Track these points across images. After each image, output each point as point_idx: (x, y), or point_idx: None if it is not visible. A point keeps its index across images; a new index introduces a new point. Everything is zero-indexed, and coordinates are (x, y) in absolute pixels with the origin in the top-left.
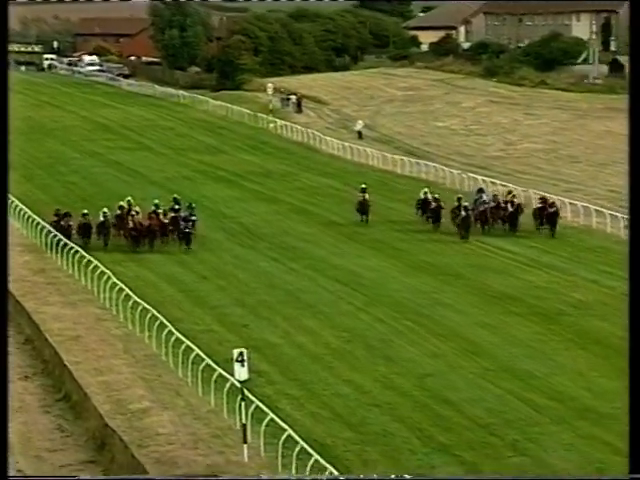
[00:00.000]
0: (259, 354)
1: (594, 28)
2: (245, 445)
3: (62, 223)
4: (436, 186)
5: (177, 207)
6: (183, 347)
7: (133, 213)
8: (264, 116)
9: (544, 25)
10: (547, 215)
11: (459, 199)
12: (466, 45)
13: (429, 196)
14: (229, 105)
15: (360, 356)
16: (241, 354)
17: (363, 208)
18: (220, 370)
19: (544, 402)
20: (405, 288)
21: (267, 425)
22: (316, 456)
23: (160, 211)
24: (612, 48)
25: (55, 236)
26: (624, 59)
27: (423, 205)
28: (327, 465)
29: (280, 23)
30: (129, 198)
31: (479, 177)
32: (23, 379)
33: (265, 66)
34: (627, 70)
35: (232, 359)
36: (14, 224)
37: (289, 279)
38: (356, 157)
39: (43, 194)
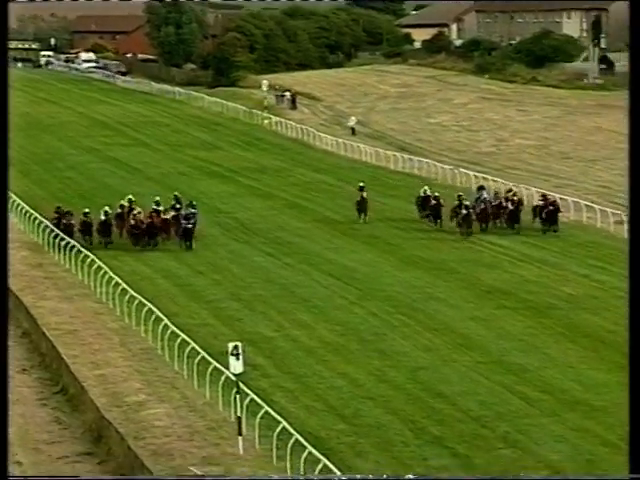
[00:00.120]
0: (254, 347)
1: (584, 26)
2: (240, 437)
3: (64, 221)
4: (428, 182)
5: (178, 205)
6: (179, 341)
7: (135, 212)
8: (259, 112)
9: (535, 23)
10: (547, 213)
11: (459, 197)
12: (458, 42)
13: (429, 194)
14: (224, 102)
15: (354, 349)
16: (236, 347)
17: (362, 206)
18: (215, 363)
19: (535, 395)
20: (398, 283)
21: (262, 418)
22: (310, 448)
23: (161, 209)
24: (602, 45)
25: (52, 231)
26: (614, 56)
27: (423, 203)
28: (321, 457)
29: (275, 21)
30: (130, 196)
31: (471, 173)
32: (21, 372)
33: (260, 63)
34: (616, 68)
35: (227, 352)
36: (12, 219)
37: (284, 274)
38: (350, 153)
39: (40, 189)
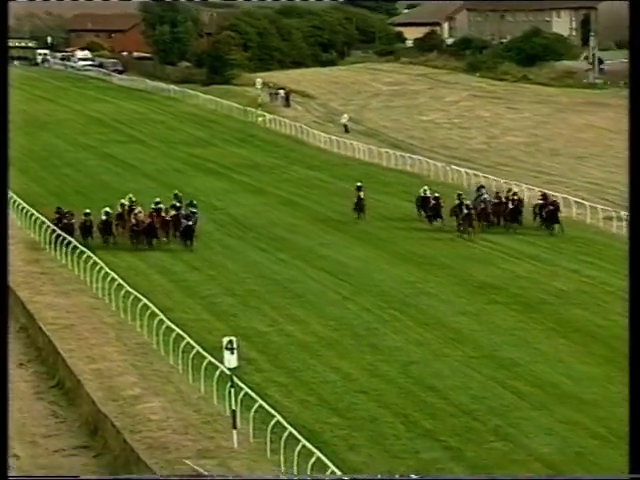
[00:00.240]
0: (248, 342)
1: (574, 24)
2: (235, 431)
3: (64, 221)
4: (421, 178)
5: (178, 204)
6: (174, 335)
7: (136, 211)
8: (253, 110)
9: (525, 21)
10: (547, 212)
11: (459, 196)
12: (450, 41)
13: (429, 194)
14: (219, 99)
15: (347, 344)
16: (230, 342)
17: (359, 206)
18: (210, 358)
19: (526, 389)
20: (391, 278)
21: (256, 411)
22: (304, 441)
23: (161, 207)
24: (591, 44)
25: (49, 227)
26: (603, 54)
27: (423, 203)
28: (314, 450)
29: (268, 19)
30: (130, 195)
31: (462, 170)
32: (18, 366)
33: (254, 61)
34: (605, 66)
35: (222, 347)
36: (10, 216)
37: (277, 269)
38: (343, 150)
39: (37, 186)
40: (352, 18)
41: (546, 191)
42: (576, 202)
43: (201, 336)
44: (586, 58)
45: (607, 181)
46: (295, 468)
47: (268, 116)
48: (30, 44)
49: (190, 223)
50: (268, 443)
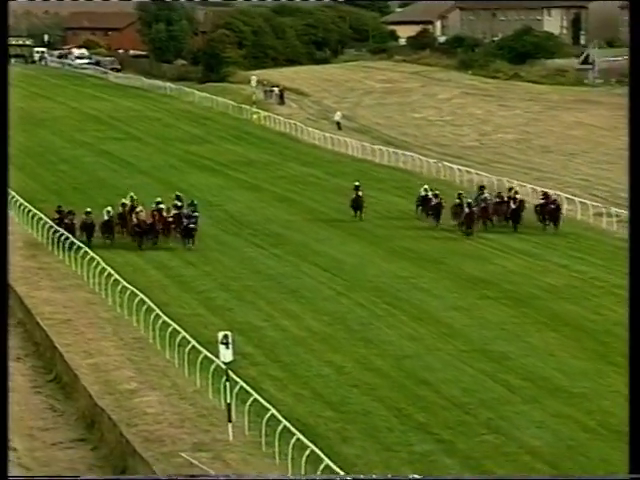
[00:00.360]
0: (243, 337)
1: (564, 23)
2: (230, 424)
3: (66, 221)
4: (413, 175)
5: (179, 204)
6: (170, 330)
7: (137, 211)
8: (248, 107)
9: (517, 20)
10: (549, 211)
11: (460, 195)
12: (442, 39)
13: (429, 193)
14: (214, 97)
15: (341, 339)
16: (226, 337)
17: (357, 204)
18: (205, 352)
19: (517, 382)
20: (384, 274)
21: (251, 405)
22: (298, 434)
23: (162, 207)
24: (582, 42)
25: (46, 223)
26: (593, 52)
27: (423, 202)
28: (309, 443)
29: (263, 17)
30: (132, 194)
31: (455, 166)
32: (15, 360)
33: (249, 59)
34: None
35: (217, 341)
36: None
37: (272, 265)
38: (336, 147)
39: (34, 182)
40: (346, 17)
41: (547, 190)
42: (567, 198)
43: (197, 330)
44: (585, 59)
45: (597, 178)
46: (289, 460)
47: (263, 113)
48: (27, 42)
49: (191, 223)
50: (263, 436)
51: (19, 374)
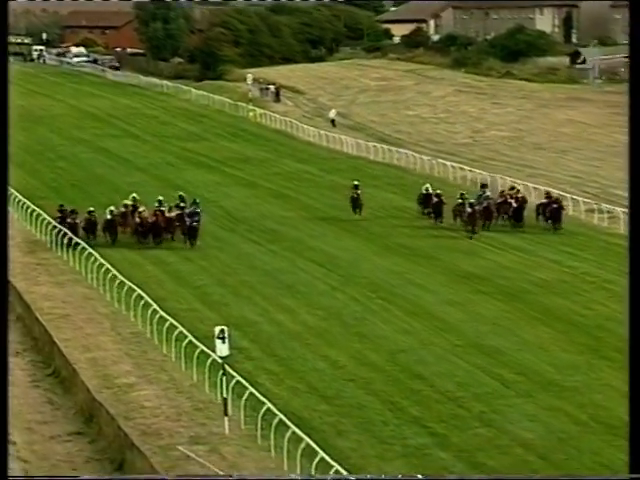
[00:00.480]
0: (239, 331)
1: (556, 21)
2: (226, 418)
3: (68, 220)
4: (407, 172)
5: (182, 204)
6: (167, 325)
7: (140, 210)
8: (244, 105)
9: (509, 18)
10: (551, 211)
11: (462, 195)
12: (436, 38)
13: (430, 192)
14: (210, 94)
15: (336, 333)
16: (222, 331)
17: (356, 203)
18: (202, 346)
19: (509, 376)
20: (379, 269)
21: (247, 399)
22: (294, 428)
23: (165, 208)
24: (573, 40)
25: (45, 220)
26: (584, 50)
27: (424, 200)
28: (304, 436)
29: (259, 16)
30: (134, 195)
31: (448, 163)
32: (14, 355)
33: (245, 57)
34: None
35: (213, 336)
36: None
37: (268, 260)
38: (331, 144)
39: (33, 179)
40: (340, 15)
41: (547, 189)
42: (558, 195)
43: (193, 325)
44: (583, 62)
45: (588, 174)
46: (285, 453)
47: (259, 111)
48: (26, 40)
49: (194, 222)
50: (259, 430)
51: (18, 368)
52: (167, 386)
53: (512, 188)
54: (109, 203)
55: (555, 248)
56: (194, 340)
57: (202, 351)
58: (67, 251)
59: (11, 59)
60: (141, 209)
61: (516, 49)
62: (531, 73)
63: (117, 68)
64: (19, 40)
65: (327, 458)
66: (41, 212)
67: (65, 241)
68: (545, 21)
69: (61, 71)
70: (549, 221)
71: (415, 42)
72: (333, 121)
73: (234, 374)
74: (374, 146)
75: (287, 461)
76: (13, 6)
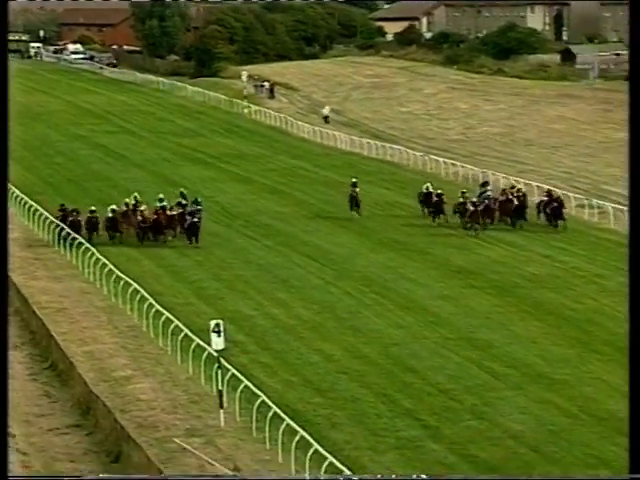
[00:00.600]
0: (235, 325)
1: (547, 19)
2: (221, 410)
3: (71, 219)
4: (400, 167)
5: (184, 202)
6: (163, 319)
7: (141, 209)
8: (239, 102)
9: (501, 16)
10: (552, 209)
11: (463, 193)
12: (428, 35)
13: (431, 190)
14: (206, 91)
15: (330, 327)
16: (217, 325)
17: (354, 202)
18: (198, 340)
19: (501, 369)
20: (372, 264)
21: (242, 392)
22: (288, 420)
23: (166, 205)
24: (564, 38)
25: (42, 215)
26: (575, 48)
27: (425, 199)
28: (298, 429)
29: (254, 14)
30: (136, 194)
31: (440, 159)
32: (12, 348)
33: (240, 54)
34: (577, 60)
35: (209, 330)
36: None
37: (263, 255)
38: (325, 140)
39: (31, 175)
40: (334, 13)
41: (551, 188)
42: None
43: (189, 319)
44: (582, 63)
45: (579, 170)
46: (280, 445)
47: (253, 107)
48: (23, 37)
49: (195, 220)
50: (254, 422)
51: (16, 362)
52: (163, 379)
53: (513, 187)
54: (106, 198)
55: (546, 243)
56: (190, 334)
57: (198, 344)
58: (64, 246)
59: (9, 56)
60: (142, 207)
61: (507, 47)
62: (522, 70)
63: (115, 65)
64: (17, 37)
65: (321, 450)
66: (38, 207)
67: (63, 236)
68: (536, 19)
69: (58, 68)
70: (550, 219)
71: (408, 39)
72: (326, 118)
73: (229, 367)
74: (367, 142)
75: (282, 453)
76: (12, 5)
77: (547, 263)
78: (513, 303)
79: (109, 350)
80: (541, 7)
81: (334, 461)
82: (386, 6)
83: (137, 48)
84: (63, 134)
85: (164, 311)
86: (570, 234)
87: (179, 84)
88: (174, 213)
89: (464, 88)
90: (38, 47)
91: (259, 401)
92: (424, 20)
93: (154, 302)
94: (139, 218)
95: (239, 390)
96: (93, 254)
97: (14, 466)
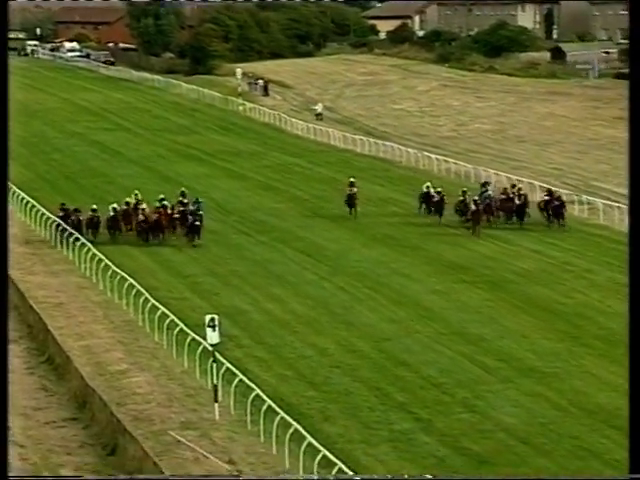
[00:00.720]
0: (229, 320)
1: (537, 18)
2: (216, 404)
3: (72, 218)
4: (393, 164)
5: (185, 201)
6: (159, 313)
7: (142, 207)
8: (234, 99)
9: (492, 15)
10: (553, 208)
11: (464, 192)
12: (421, 33)
13: (431, 190)
14: (201, 89)
15: (323, 322)
16: (212, 320)
17: (351, 201)
18: (193, 334)
19: (492, 363)
20: (366, 259)
21: (237, 385)
22: (282, 413)
23: (166, 204)
24: (554, 36)
25: (39, 211)
26: (565, 46)
27: (426, 198)
28: (292, 422)
29: (248, 12)
30: (136, 192)
31: (433, 156)
32: (10, 342)
33: (234, 52)
34: (567, 58)
35: (204, 324)
36: None
37: (258, 250)
38: (319, 137)
39: (28, 171)
40: (327, 11)
41: (551, 187)
42: (540, 187)
43: (185, 314)
44: (584, 63)
45: (569, 167)
46: (274, 438)
47: (248, 105)
48: (20, 35)
49: (196, 220)
50: (248, 415)
51: (13, 356)
52: (159, 373)
53: (513, 186)
54: (102, 194)
55: (537, 238)
56: (185, 328)
57: (193, 339)
58: (61, 242)
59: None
60: (143, 206)
61: (498, 44)
62: (513, 68)
63: (112, 63)
64: (13, 35)
65: (315, 443)
66: (35, 204)
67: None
68: (527, 17)
69: (55, 66)
70: (551, 218)
71: (400, 38)
72: (318, 115)
73: (224, 361)
74: (361, 139)
75: (276, 446)
76: (10, 3)
77: (537, 258)
78: (504, 297)
79: (105, 344)
80: (531, 5)
81: (327, 454)
82: (379, 5)
83: (132, 46)
84: (60, 131)
85: (160, 306)
86: (561, 230)
87: (174, 82)
88: (175, 214)
89: (456, 85)
90: (35, 45)
91: (253, 394)
92: (416, 18)
93: (150, 297)
94: (140, 217)
95: (234, 384)
96: (89, 249)
97: (12, 458)
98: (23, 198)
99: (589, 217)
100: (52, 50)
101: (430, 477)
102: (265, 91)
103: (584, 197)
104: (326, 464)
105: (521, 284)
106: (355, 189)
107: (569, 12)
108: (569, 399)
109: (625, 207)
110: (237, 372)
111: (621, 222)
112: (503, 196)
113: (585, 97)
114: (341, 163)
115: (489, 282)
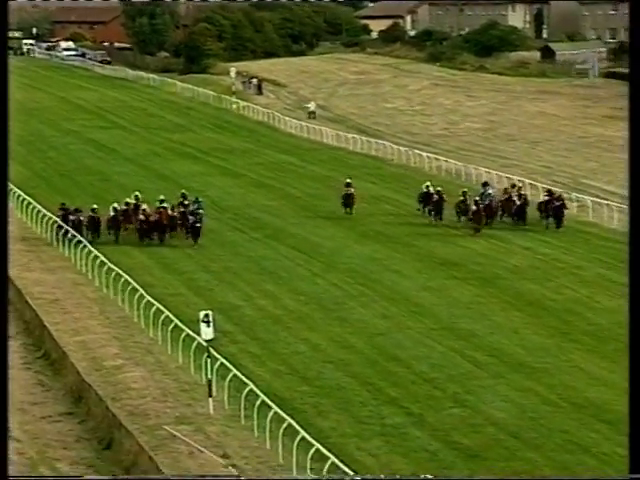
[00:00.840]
0: (224, 315)
1: (527, 17)
2: (210, 399)
3: (72, 218)
4: (385, 162)
5: (186, 202)
6: (154, 309)
7: (143, 208)
8: (228, 98)
9: (483, 15)
10: (553, 208)
11: (464, 193)
12: (412, 33)
13: (431, 189)
14: (195, 87)
15: (316, 317)
16: (207, 315)
17: (348, 201)
18: (188, 330)
19: (483, 358)
20: (358, 256)
21: (231, 380)
22: (275, 408)
23: (167, 205)
24: (544, 36)
25: (35, 208)
26: (555, 45)
27: (425, 198)
28: (285, 416)
29: (242, 12)
30: (137, 193)
31: (424, 154)
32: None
33: (228, 51)
34: (556, 57)
35: (198, 320)
36: None
37: (251, 247)
38: (312, 135)
39: (24, 169)
40: (320, 11)
41: (550, 187)
42: (530, 184)
43: (179, 310)
44: (583, 62)
45: (559, 165)
46: (267, 433)
47: (242, 103)
48: (16, 34)
49: (197, 222)
50: (242, 410)
51: (10, 351)
52: (154, 368)
53: (513, 186)
54: (98, 192)
55: (528, 236)
56: (180, 324)
57: (187, 334)
58: (57, 239)
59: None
60: (144, 206)
61: (489, 44)
62: (503, 67)
63: (108, 62)
64: (10, 35)
65: (308, 437)
66: (32, 201)
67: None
68: (517, 17)
69: (51, 65)
70: (552, 218)
71: (392, 37)
72: (310, 113)
73: (218, 357)
74: (353, 137)
75: (269, 440)
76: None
77: (528, 255)
78: (494, 294)
79: (101, 340)
80: (522, 5)
81: (320, 448)
82: (371, 4)
83: (128, 45)
84: (56, 129)
85: (155, 302)
86: (550, 227)
87: (169, 80)
88: (175, 214)
89: (447, 84)
90: (31, 44)
91: (247, 389)
92: (408, 18)
93: (145, 293)
94: (141, 217)
95: (228, 379)
96: (85, 246)
97: (9, 453)
98: (20, 196)
99: (578, 214)
100: (48, 49)
101: (430, 477)
102: (259, 90)
103: (573, 195)
104: (319, 458)
105: (511, 280)
106: (352, 189)
107: (559, 12)
108: (559, 394)
109: (614, 204)
110: (231, 367)
111: (610, 219)
112: (505, 196)
113: (575, 96)
114: (334, 161)
115: (480, 278)
